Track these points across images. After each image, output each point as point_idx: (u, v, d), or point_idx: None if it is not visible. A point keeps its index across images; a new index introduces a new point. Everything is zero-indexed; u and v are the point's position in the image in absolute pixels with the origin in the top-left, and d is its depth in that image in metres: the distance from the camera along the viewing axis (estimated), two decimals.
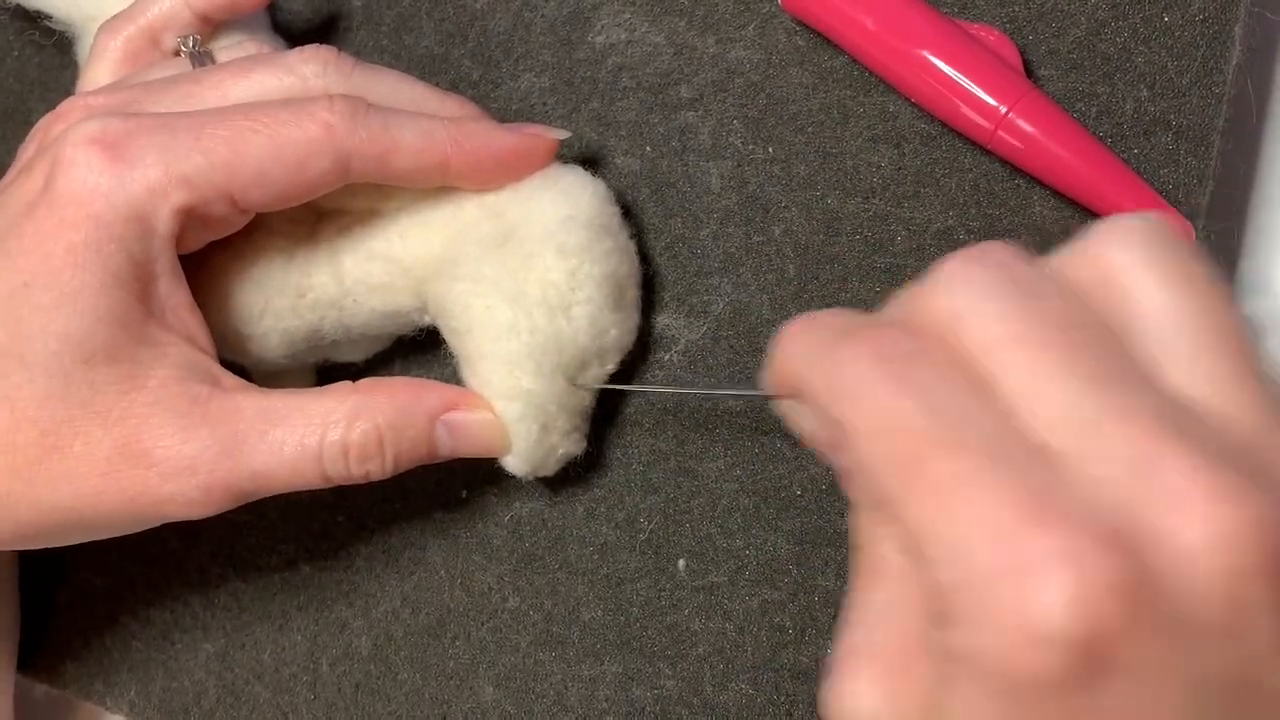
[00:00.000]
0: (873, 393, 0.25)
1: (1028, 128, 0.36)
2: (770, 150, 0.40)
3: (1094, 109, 0.38)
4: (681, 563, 0.40)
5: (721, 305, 0.40)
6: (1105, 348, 0.25)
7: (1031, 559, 0.23)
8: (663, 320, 0.40)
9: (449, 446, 0.36)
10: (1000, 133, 0.36)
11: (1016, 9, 0.38)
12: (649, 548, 0.40)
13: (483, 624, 0.41)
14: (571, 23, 0.42)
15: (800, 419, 0.30)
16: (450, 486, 0.41)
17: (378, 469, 0.35)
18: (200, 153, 0.34)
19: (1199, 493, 0.23)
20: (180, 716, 0.43)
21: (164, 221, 0.34)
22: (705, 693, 0.39)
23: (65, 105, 0.36)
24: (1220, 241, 0.38)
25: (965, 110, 0.37)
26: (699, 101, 0.41)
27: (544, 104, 0.42)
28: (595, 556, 0.40)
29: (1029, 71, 0.38)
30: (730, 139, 0.40)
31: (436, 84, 0.42)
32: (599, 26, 0.42)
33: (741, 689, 0.39)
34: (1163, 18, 0.38)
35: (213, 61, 0.39)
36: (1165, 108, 0.37)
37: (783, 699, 0.38)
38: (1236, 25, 0.37)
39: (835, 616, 0.38)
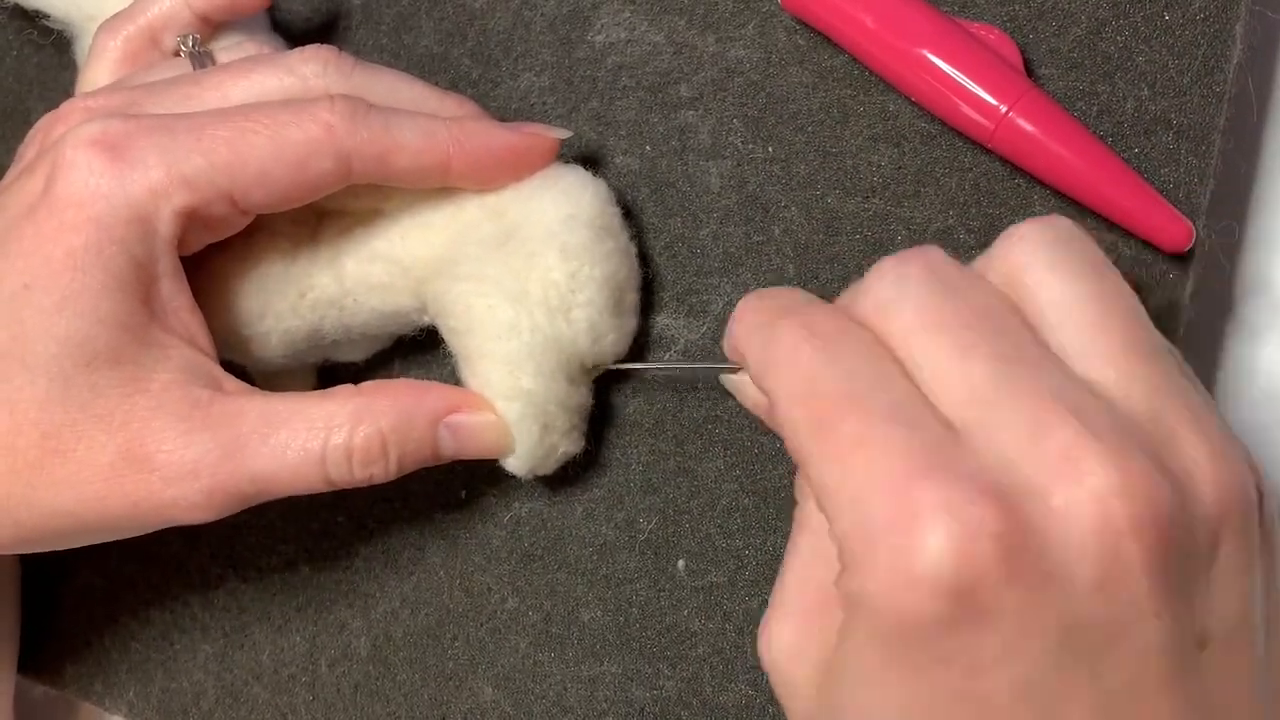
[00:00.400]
0: (794, 360, 0.28)
1: (1028, 127, 0.36)
2: (770, 149, 0.40)
3: (1095, 108, 0.38)
4: (681, 563, 0.40)
5: (721, 305, 0.40)
6: (1010, 335, 0.27)
7: (916, 509, 0.25)
8: (662, 320, 0.40)
9: (452, 448, 0.36)
10: (1000, 132, 0.36)
11: (1017, 7, 0.38)
12: (648, 548, 0.40)
13: (482, 625, 0.41)
14: (571, 21, 0.42)
15: (745, 389, 0.34)
16: (449, 487, 0.41)
17: (381, 472, 0.35)
18: (201, 154, 0.33)
19: (1082, 456, 0.25)
20: (179, 717, 0.43)
21: (165, 223, 0.33)
22: (705, 693, 0.39)
23: (66, 106, 0.36)
24: (1221, 240, 0.38)
25: (965, 109, 0.37)
26: (699, 100, 0.40)
27: (543, 103, 0.42)
28: (595, 557, 0.40)
29: (1029, 70, 0.38)
30: (730, 138, 0.40)
31: (436, 83, 0.42)
32: (598, 25, 0.42)
33: (741, 690, 0.39)
34: (1164, 16, 0.37)
35: (213, 62, 0.39)
36: (1166, 106, 0.37)
37: None
38: (1237, 24, 0.37)
39: None
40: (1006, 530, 0.25)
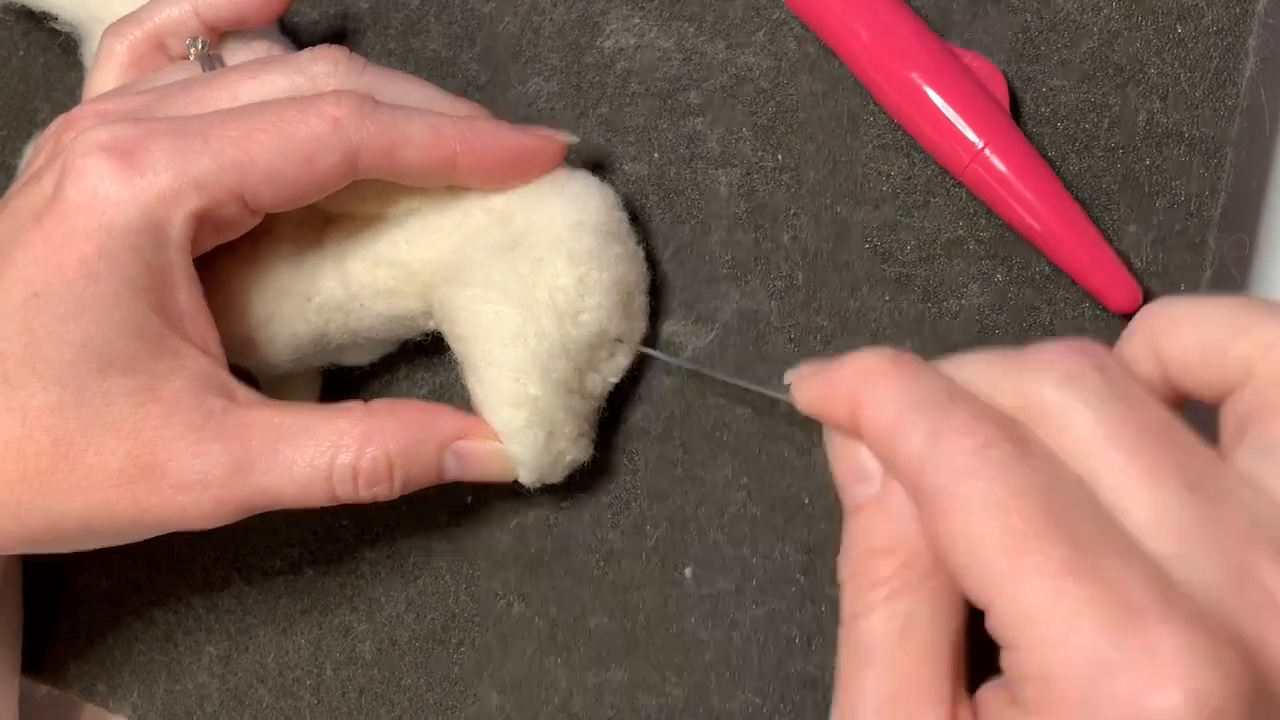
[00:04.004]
0: (983, 465, 0.25)
1: (1000, 167, 0.36)
2: (779, 158, 0.40)
3: (1106, 120, 0.38)
4: (688, 571, 0.40)
5: (729, 312, 0.40)
6: (1195, 456, 0.25)
7: (1155, 653, 0.22)
8: (670, 327, 0.40)
9: (456, 471, 0.36)
10: (974, 166, 0.36)
11: (1029, 18, 0.38)
12: (655, 555, 0.40)
13: (488, 630, 0.41)
14: (580, 27, 0.42)
15: (835, 447, 0.30)
16: (456, 492, 0.41)
17: (385, 492, 0.35)
18: (210, 155, 0.33)
19: None
20: (183, 719, 0.43)
21: (178, 228, 0.33)
22: (711, 701, 0.39)
23: (76, 111, 0.36)
24: (1233, 253, 0.38)
25: (943, 138, 0.37)
26: (708, 108, 0.40)
27: (552, 108, 0.42)
28: (601, 564, 0.40)
29: (1016, 105, 0.38)
30: (739, 146, 0.40)
31: (445, 88, 0.42)
32: (608, 31, 0.41)
33: (748, 698, 0.39)
34: (1176, 29, 0.37)
35: (222, 64, 0.38)
36: (1178, 119, 0.37)
37: (789, 709, 0.38)
38: (1250, 37, 0.37)
39: None
40: (1246, 682, 0.23)
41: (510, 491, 0.40)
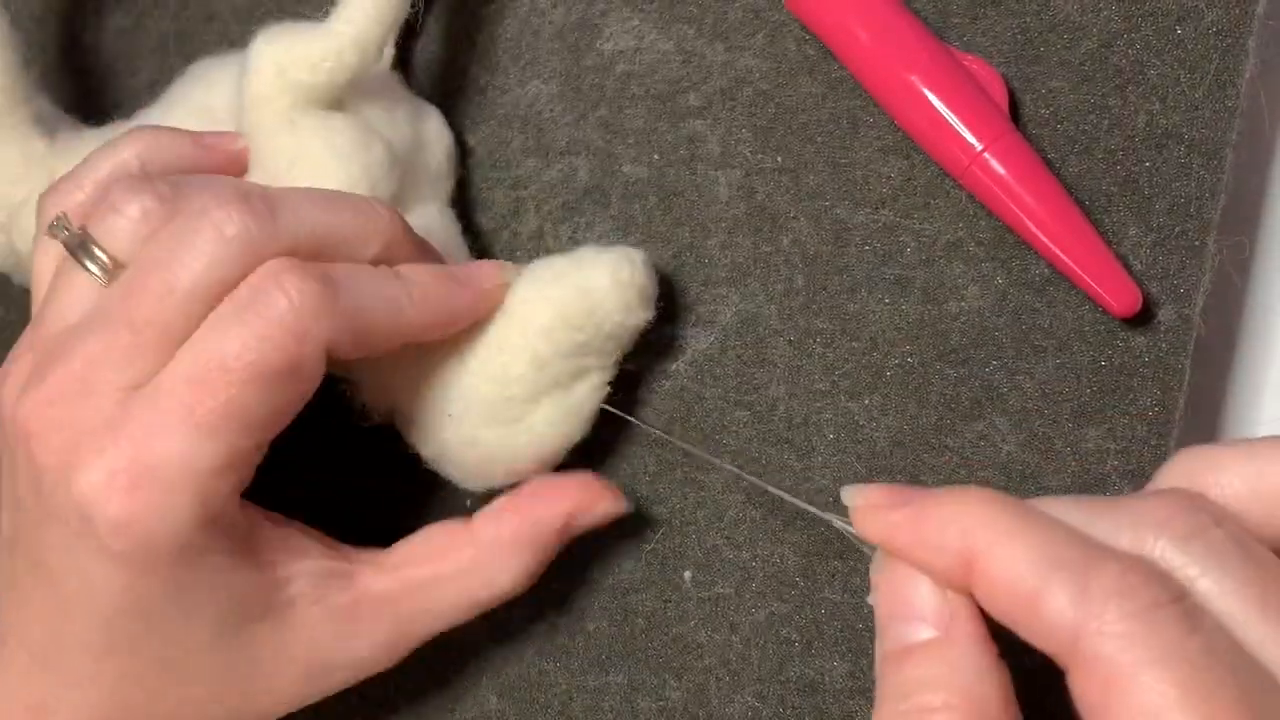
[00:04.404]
0: (1156, 639, 0.23)
1: (1000, 170, 0.36)
2: (779, 160, 0.40)
3: (1106, 121, 0.38)
4: (687, 574, 0.40)
5: (729, 315, 0.40)
6: None
7: None
8: (670, 330, 0.40)
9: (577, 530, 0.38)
10: (974, 169, 0.36)
11: (1028, 20, 0.38)
12: (655, 558, 0.40)
13: (487, 634, 0.41)
14: (580, 29, 0.42)
15: (890, 579, 0.28)
16: (455, 496, 0.41)
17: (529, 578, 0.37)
18: (212, 438, 0.31)
19: None
20: None
21: (226, 513, 0.33)
22: (711, 705, 0.39)
23: (19, 416, 0.32)
24: (1232, 255, 0.38)
25: (943, 142, 0.37)
26: (707, 110, 0.40)
27: (551, 110, 0.42)
28: (600, 567, 0.40)
29: (1015, 107, 0.38)
30: (739, 148, 0.40)
31: (444, 90, 0.42)
32: (607, 33, 0.41)
33: (747, 701, 0.39)
34: (1175, 30, 0.37)
35: (96, 245, 0.33)
36: (1178, 120, 0.37)
37: (789, 712, 0.38)
38: (1250, 38, 0.37)
39: (842, 629, 0.38)
40: None
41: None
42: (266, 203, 0.33)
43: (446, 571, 0.36)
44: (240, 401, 0.31)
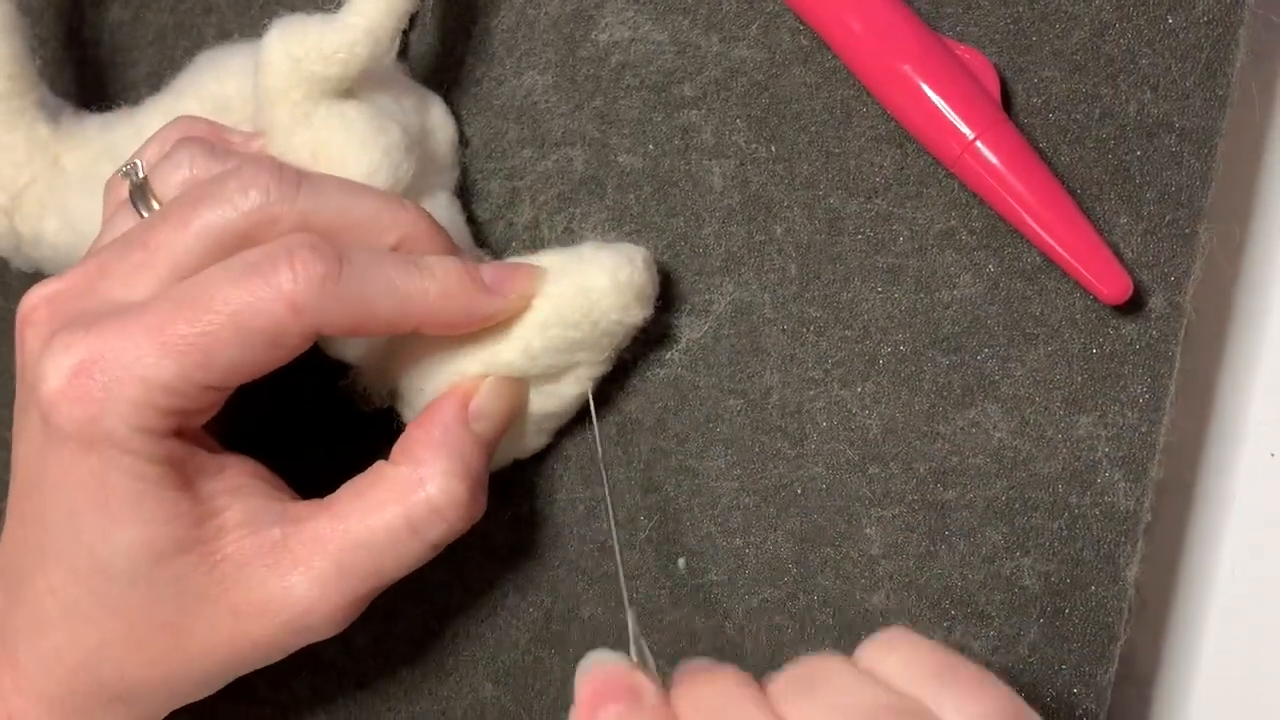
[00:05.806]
0: None
1: (992, 158, 0.36)
2: (773, 149, 0.40)
3: (1097, 110, 0.38)
4: (681, 561, 0.40)
5: (723, 304, 0.40)
6: None
7: None
8: (664, 318, 0.40)
9: (492, 428, 0.37)
10: (965, 158, 0.37)
11: (1020, 9, 0.38)
12: (649, 546, 0.40)
13: (482, 621, 0.41)
14: (575, 20, 0.42)
15: None
16: None
17: (479, 510, 0.36)
18: (171, 358, 0.32)
19: None
20: (180, 713, 0.43)
21: (159, 429, 0.33)
22: None
23: (28, 305, 0.35)
24: (1222, 244, 0.38)
25: (935, 130, 0.37)
26: (702, 100, 0.41)
27: (546, 101, 0.42)
28: (595, 554, 0.40)
29: (1008, 96, 0.38)
30: (733, 138, 0.40)
31: (440, 81, 0.42)
32: (602, 24, 0.42)
33: None
34: (1167, 20, 0.38)
35: (152, 193, 0.36)
36: (1169, 110, 0.37)
37: None
38: (1240, 27, 0.37)
39: (835, 616, 0.38)
40: None
41: (504, 483, 0.41)
42: (296, 176, 0.35)
43: (374, 501, 0.35)
44: (211, 339, 0.33)
